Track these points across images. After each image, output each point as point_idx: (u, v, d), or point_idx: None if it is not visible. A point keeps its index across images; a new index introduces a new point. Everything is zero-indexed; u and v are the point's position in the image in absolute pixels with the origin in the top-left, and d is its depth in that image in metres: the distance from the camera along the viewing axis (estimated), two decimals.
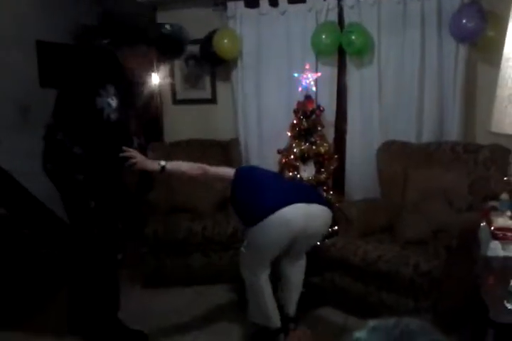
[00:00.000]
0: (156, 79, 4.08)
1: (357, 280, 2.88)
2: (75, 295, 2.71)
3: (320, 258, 3.07)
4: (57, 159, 2.49)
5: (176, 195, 3.62)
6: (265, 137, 3.85)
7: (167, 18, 4.14)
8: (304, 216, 2.39)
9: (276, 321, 2.56)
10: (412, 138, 3.45)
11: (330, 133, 3.68)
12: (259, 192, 2.45)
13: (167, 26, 2.77)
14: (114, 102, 2.37)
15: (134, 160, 2.44)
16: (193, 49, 3.85)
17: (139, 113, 2.66)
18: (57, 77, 3.68)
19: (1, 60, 3.83)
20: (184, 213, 3.55)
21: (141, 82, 2.79)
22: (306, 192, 2.60)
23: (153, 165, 2.50)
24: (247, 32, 3.82)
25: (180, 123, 4.18)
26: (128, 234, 3.09)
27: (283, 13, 3.72)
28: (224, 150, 3.84)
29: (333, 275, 3.01)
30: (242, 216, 2.57)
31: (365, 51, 3.49)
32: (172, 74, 4.21)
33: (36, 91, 4.14)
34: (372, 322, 0.75)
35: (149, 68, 2.62)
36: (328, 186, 3.46)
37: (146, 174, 3.38)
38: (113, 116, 2.37)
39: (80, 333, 2.68)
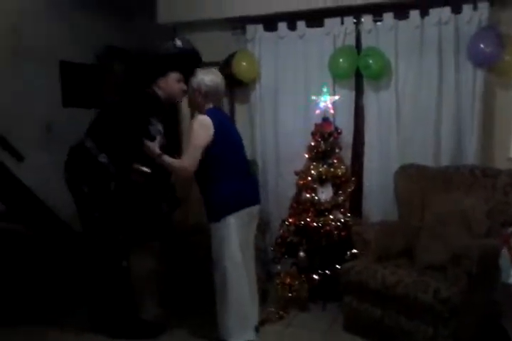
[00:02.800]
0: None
1: (375, 304, 2.87)
2: (93, 296, 3.00)
3: (338, 281, 3.07)
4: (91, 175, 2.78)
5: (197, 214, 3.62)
6: (282, 158, 3.89)
7: None
8: None
9: None
10: (429, 162, 3.45)
11: (347, 156, 3.70)
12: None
13: (178, 41, 2.92)
14: (162, 129, 2.86)
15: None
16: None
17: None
18: (79, 96, 3.75)
19: (25, 79, 3.94)
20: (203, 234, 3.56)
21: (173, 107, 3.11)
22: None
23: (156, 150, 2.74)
24: (265, 55, 3.88)
25: None
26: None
27: (301, 36, 3.78)
28: None
29: (351, 299, 3.00)
30: None
31: (382, 75, 3.53)
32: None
33: (59, 111, 4.24)
34: None
35: (184, 90, 2.86)
36: (346, 208, 3.46)
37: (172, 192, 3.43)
38: (163, 141, 2.83)
39: (101, 330, 2.93)
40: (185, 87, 2.83)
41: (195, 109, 2.82)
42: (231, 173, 2.71)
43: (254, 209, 2.80)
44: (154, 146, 2.72)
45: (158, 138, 2.80)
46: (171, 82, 2.82)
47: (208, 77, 2.71)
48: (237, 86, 3.98)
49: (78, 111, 4.19)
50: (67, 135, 3.71)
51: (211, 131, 2.61)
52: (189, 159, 2.63)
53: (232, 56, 3.87)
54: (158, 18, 4.10)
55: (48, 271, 3.38)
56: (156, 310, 3.25)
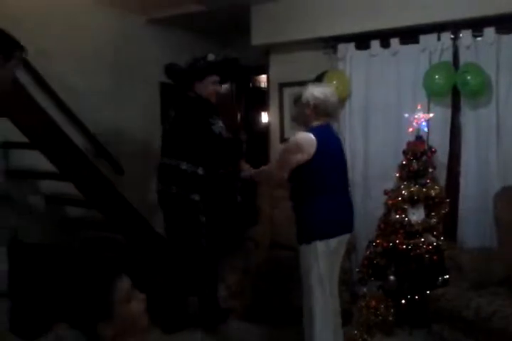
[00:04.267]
0: (265, 119, 4.24)
1: (468, 335, 2.67)
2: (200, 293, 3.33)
3: (427, 307, 2.90)
4: (180, 183, 3.09)
5: (278, 231, 3.65)
6: (371, 177, 3.79)
7: (279, 61, 4.35)
8: None
9: None
10: None
11: (442, 176, 3.53)
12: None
13: (210, 56, 3.21)
14: (222, 124, 3.07)
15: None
16: (303, 90, 3.94)
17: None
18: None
19: (127, 97, 4.24)
20: (285, 250, 3.56)
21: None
22: None
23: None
24: (356, 73, 3.85)
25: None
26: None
27: (394, 54, 3.71)
28: None
29: (441, 327, 2.82)
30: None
31: (481, 92, 3.35)
32: (281, 115, 4.35)
33: (158, 129, 4.49)
34: None
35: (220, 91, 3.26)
36: (439, 231, 3.28)
37: (253, 208, 3.55)
38: (226, 134, 3.07)
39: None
40: (219, 89, 3.19)
41: (300, 124, 2.70)
42: (329, 195, 2.55)
43: (346, 236, 2.63)
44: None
45: (225, 133, 3.06)
46: (207, 84, 3.13)
47: (318, 90, 2.59)
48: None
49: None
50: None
51: (311, 149, 2.46)
52: (277, 164, 2.72)
53: (322, 75, 3.88)
54: (252, 40, 4.24)
55: (145, 277, 3.54)
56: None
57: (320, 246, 2.49)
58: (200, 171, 3.08)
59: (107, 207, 3.43)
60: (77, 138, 3.66)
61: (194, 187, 3.08)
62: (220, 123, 3.06)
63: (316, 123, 2.57)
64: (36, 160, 3.25)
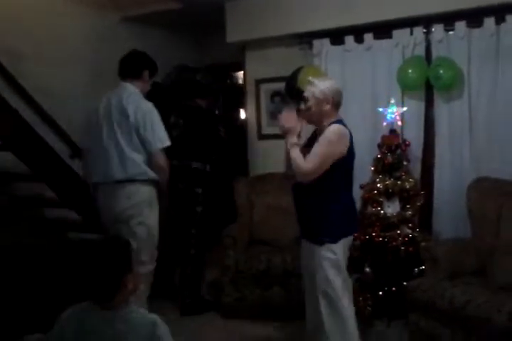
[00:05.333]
0: (242, 116, 4.28)
1: (444, 325, 2.70)
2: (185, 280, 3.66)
3: (404, 299, 2.94)
4: (188, 179, 3.64)
5: (257, 227, 3.67)
6: None
7: (255, 58, 4.36)
8: None
9: None
10: (506, 175, 3.24)
11: (416, 169, 3.57)
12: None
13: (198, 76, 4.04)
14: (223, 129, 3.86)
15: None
16: (279, 86, 3.97)
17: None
18: None
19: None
20: (264, 245, 3.58)
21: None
22: None
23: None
24: (331, 68, 3.87)
25: (265, 157, 4.28)
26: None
27: (368, 48, 3.75)
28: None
29: (418, 317, 2.85)
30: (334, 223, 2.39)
31: (454, 85, 3.39)
32: (258, 111, 4.36)
33: None
34: None
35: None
36: (414, 223, 3.32)
37: (231, 206, 3.60)
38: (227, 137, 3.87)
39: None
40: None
41: (316, 123, 2.52)
42: (350, 191, 2.49)
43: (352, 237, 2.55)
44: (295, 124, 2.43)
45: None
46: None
47: (332, 83, 2.45)
48: (302, 100, 3.99)
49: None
50: None
51: (348, 142, 2.37)
52: (315, 166, 2.31)
53: (298, 71, 3.89)
54: (227, 37, 4.24)
55: None
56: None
57: (344, 244, 2.40)
58: (207, 168, 3.68)
59: (82, 208, 3.40)
60: (52, 139, 3.63)
61: (199, 182, 3.65)
62: (223, 129, 3.83)
63: (334, 118, 2.43)
64: (9, 162, 3.22)
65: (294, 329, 3.18)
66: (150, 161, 2.79)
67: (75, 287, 1.58)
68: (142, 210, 2.77)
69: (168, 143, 2.82)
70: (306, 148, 2.46)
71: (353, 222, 2.55)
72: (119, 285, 1.52)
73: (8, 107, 3.00)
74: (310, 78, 2.55)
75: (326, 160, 2.32)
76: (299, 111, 2.47)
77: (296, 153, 2.37)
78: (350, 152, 2.41)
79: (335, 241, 2.37)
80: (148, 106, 2.80)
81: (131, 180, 2.75)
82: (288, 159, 2.45)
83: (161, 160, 2.79)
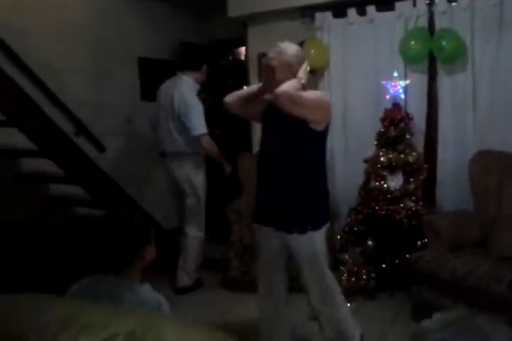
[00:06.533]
0: None
1: (445, 295, 2.76)
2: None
3: (407, 270, 2.99)
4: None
5: None
6: (351, 145, 3.83)
7: (257, 32, 4.31)
8: None
9: None
10: (509, 148, 3.23)
11: (419, 142, 3.57)
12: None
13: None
14: None
15: None
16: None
17: None
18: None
19: (106, 74, 4.21)
20: None
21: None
22: None
23: None
24: (334, 42, 3.84)
25: None
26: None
27: (371, 21, 3.70)
28: None
29: (420, 288, 2.90)
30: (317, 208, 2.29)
31: (457, 57, 3.36)
32: None
33: (138, 104, 4.48)
34: (439, 314, 0.80)
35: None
36: (417, 197, 3.34)
37: (235, 181, 3.63)
38: None
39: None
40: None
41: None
42: (325, 175, 2.34)
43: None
44: None
45: None
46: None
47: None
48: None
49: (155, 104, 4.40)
50: (145, 126, 3.97)
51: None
52: (305, 96, 2.15)
53: (300, 45, 3.85)
54: (229, 12, 4.19)
55: None
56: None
57: (325, 228, 2.31)
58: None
59: (89, 184, 3.45)
60: (57, 117, 3.65)
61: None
62: None
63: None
64: (15, 138, 3.26)
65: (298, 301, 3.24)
66: (193, 141, 3.33)
67: (93, 257, 1.66)
68: (190, 177, 3.43)
69: (203, 131, 3.29)
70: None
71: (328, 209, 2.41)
72: (136, 255, 1.59)
73: (14, 84, 3.01)
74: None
75: (305, 101, 2.15)
76: None
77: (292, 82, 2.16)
78: (327, 129, 2.27)
79: (319, 227, 2.27)
80: (192, 100, 3.29)
81: (180, 154, 3.41)
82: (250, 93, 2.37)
83: (203, 142, 3.32)
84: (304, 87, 2.27)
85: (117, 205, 3.81)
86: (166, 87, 3.46)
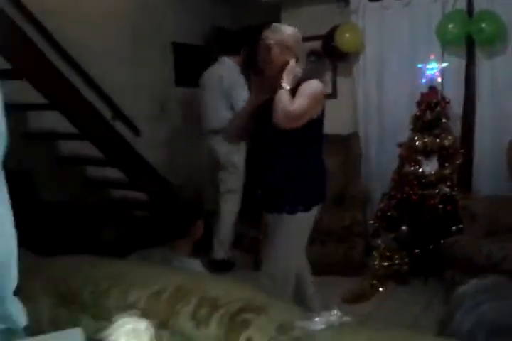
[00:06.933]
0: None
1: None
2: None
3: (441, 256, 2.96)
4: None
5: None
6: (386, 130, 3.79)
7: (291, 17, 4.29)
8: None
9: None
10: None
11: (456, 126, 3.51)
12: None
13: None
14: None
15: None
16: (315, 44, 3.92)
17: None
18: (190, 76, 4.19)
19: (140, 59, 4.26)
20: None
21: None
22: None
23: None
24: (369, 26, 3.80)
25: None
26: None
27: (407, 4, 3.65)
28: (343, 144, 3.85)
29: (454, 274, 2.88)
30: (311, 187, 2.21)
31: (497, 39, 3.28)
32: None
33: (172, 89, 4.53)
34: (475, 280, 0.85)
35: None
36: (453, 182, 3.29)
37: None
38: None
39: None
40: None
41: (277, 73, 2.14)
42: (321, 155, 2.27)
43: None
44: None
45: None
46: None
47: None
48: (339, 59, 3.95)
49: (188, 90, 4.45)
50: (179, 111, 4.02)
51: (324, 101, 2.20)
52: (303, 108, 2.06)
53: (335, 29, 3.84)
54: None
55: None
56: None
57: (315, 211, 2.21)
58: None
59: (127, 167, 3.54)
60: (95, 101, 3.72)
61: None
62: None
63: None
64: (55, 121, 3.36)
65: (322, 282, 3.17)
66: None
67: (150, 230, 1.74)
68: (231, 153, 3.65)
69: None
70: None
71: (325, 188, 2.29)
72: (190, 228, 1.68)
73: (55, 69, 3.09)
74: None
75: (308, 109, 2.09)
76: None
77: (284, 96, 2.07)
78: (323, 114, 2.21)
79: (309, 208, 2.18)
80: (239, 79, 3.63)
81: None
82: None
83: None
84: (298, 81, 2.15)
85: (154, 188, 3.89)
86: (212, 70, 3.78)
